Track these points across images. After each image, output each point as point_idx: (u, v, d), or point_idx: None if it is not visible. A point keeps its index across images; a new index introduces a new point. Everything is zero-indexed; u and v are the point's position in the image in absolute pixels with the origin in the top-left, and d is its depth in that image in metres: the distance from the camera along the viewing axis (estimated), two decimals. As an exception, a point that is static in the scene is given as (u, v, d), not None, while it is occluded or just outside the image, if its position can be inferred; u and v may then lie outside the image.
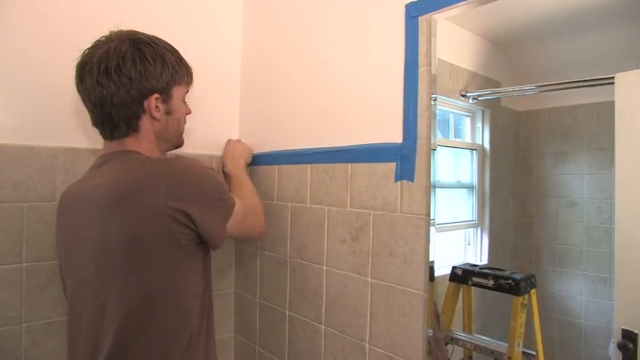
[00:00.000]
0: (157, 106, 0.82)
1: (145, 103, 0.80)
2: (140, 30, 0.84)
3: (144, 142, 0.83)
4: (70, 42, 1.03)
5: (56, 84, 1.02)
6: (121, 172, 0.77)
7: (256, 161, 1.25)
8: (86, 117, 1.06)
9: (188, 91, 0.90)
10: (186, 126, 0.93)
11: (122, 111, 0.79)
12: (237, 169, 1.16)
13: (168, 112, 0.85)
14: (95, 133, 1.08)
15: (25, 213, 0.99)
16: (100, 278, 0.76)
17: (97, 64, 0.77)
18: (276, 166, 1.18)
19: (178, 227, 0.74)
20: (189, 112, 0.93)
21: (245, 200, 0.95)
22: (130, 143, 0.82)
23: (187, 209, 0.74)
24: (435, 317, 0.82)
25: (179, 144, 0.94)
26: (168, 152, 0.94)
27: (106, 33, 0.81)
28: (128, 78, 0.77)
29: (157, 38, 0.84)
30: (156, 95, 0.81)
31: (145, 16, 1.13)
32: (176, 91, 0.85)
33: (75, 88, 0.82)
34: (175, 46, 0.87)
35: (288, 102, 1.16)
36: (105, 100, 0.78)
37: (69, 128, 1.05)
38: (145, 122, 0.82)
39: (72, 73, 1.03)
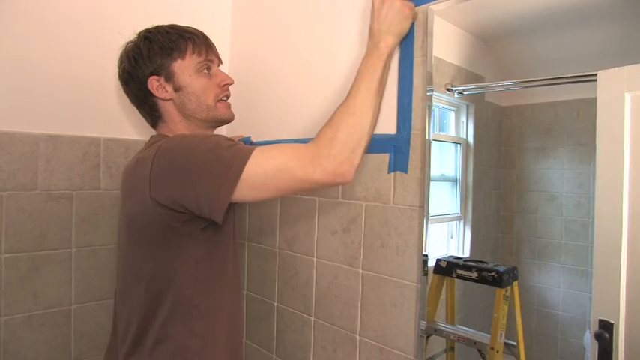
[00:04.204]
0: (161, 86, 0.82)
1: (149, 88, 0.83)
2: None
3: (173, 125, 0.85)
4: (55, 25, 1.01)
5: (39, 68, 1.00)
6: (133, 159, 0.82)
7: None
8: (69, 103, 1.05)
9: (207, 60, 0.85)
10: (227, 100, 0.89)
11: (141, 106, 0.86)
12: (371, 59, 0.75)
13: (177, 89, 0.83)
14: (79, 120, 1.07)
15: (4, 202, 0.97)
16: (121, 251, 0.85)
17: (117, 76, 0.87)
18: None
19: (166, 211, 0.71)
20: (225, 82, 0.87)
21: (328, 130, 0.70)
22: (163, 128, 0.86)
23: (172, 194, 0.70)
24: None
25: (218, 117, 0.87)
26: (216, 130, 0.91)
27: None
28: (129, 73, 0.84)
29: (160, 26, 0.85)
30: (154, 77, 0.82)
31: (132, 10, 1.11)
32: (178, 66, 0.82)
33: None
34: None
35: (279, 92, 1.15)
36: (131, 99, 0.87)
37: (51, 114, 1.02)
38: (162, 105, 0.84)
39: (56, 57, 1.02)
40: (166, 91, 0.83)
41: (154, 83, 0.82)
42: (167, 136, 0.82)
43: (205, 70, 0.85)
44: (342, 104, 0.74)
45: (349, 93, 0.74)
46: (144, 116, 0.89)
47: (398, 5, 0.76)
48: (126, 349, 0.80)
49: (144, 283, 0.77)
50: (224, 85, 0.87)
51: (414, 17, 0.80)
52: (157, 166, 0.71)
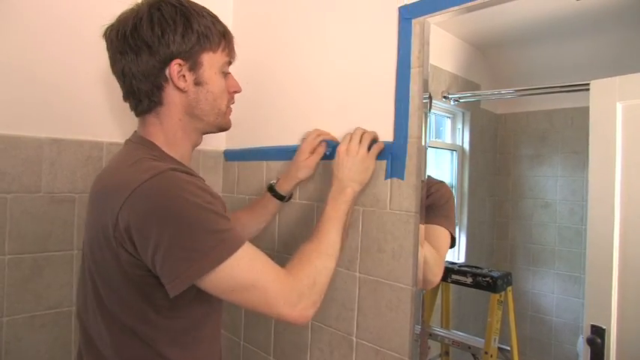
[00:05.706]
0: (182, 75, 0.70)
1: (167, 71, 0.69)
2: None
3: (167, 121, 0.73)
4: (58, 29, 1.03)
5: (44, 72, 1.01)
6: (110, 170, 0.72)
7: (244, 156, 1.26)
8: (74, 107, 1.07)
9: (230, 62, 0.77)
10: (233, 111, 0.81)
11: (143, 83, 0.70)
12: (337, 203, 0.79)
13: (197, 83, 0.72)
14: (82, 124, 1.09)
15: (8, 204, 0.98)
16: (86, 261, 0.76)
17: (115, 32, 0.70)
18: (265, 162, 1.19)
19: (126, 256, 0.63)
20: (236, 90, 0.79)
21: (296, 264, 0.69)
22: (152, 124, 0.74)
23: (135, 240, 0.61)
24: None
25: (222, 125, 0.78)
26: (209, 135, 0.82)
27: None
28: (145, 43, 0.68)
29: (190, 1, 0.73)
30: (178, 61, 0.69)
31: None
32: (207, 59, 0.72)
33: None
34: None
35: (278, 98, 1.17)
36: (125, 70, 0.70)
37: (56, 118, 1.04)
38: (170, 94, 0.71)
39: (61, 60, 1.04)
40: (185, 81, 0.71)
41: (175, 68, 0.69)
42: (153, 146, 0.73)
43: (226, 72, 0.76)
44: (314, 244, 0.73)
45: (319, 233, 0.74)
46: (131, 93, 0.72)
47: (361, 157, 0.82)
48: None
49: (105, 310, 0.68)
50: (233, 91, 0.79)
51: (374, 170, 0.86)
52: (129, 208, 0.61)
